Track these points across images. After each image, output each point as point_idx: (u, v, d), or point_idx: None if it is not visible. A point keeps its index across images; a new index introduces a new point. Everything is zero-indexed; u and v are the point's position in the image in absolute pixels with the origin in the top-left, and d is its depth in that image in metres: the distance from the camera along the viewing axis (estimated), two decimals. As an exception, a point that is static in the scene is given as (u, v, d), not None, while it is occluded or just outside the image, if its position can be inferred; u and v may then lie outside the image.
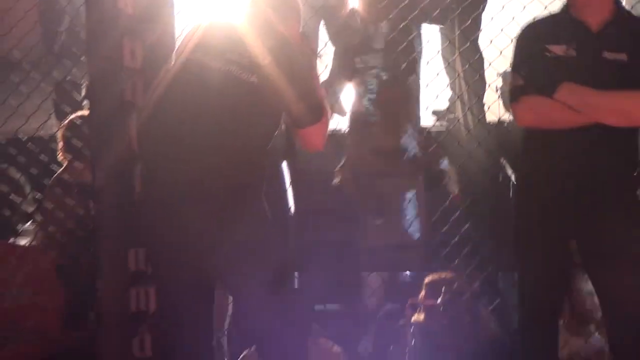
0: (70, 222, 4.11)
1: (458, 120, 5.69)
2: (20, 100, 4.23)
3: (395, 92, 5.08)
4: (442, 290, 3.95)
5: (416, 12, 5.00)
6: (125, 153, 3.16)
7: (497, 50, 4.36)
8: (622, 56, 3.16)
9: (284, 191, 4.95)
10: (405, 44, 5.07)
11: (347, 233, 5.24)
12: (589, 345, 3.96)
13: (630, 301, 3.17)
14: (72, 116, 4.30)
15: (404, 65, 5.05)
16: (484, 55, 5.19)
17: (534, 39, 3.25)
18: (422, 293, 4.03)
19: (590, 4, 3.20)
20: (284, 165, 5.03)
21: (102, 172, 3.24)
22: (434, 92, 5.25)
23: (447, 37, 5.62)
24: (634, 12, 4.09)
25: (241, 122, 2.95)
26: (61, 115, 4.94)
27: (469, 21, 5.04)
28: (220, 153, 2.92)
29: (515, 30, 3.42)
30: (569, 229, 3.25)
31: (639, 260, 3.17)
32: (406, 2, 4.93)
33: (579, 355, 3.93)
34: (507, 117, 5.18)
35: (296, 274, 4.79)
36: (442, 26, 5.55)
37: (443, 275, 4.07)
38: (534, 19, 3.35)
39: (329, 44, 5.56)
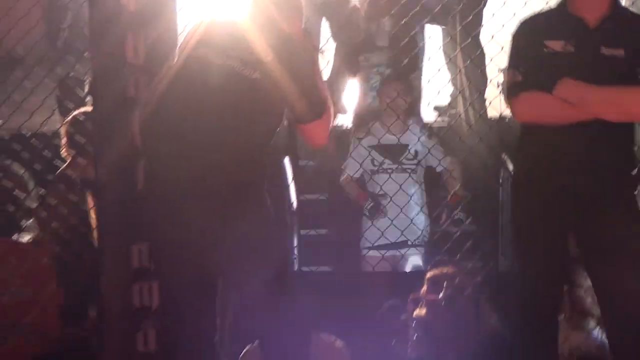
0: (73, 218, 4.12)
1: (460, 115, 5.71)
2: (24, 96, 4.23)
3: (398, 88, 5.09)
4: (444, 285, 3.95)
5: (417, 8, 5.01)
6: (128, 149, 3.15)
7: (499, 45, 4.36)
8: (620, 52, 3.16)
9: (286, 187, 4.96)
10: (407, 39, 5.08)
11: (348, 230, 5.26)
12: (589, 340, 3.95)
13: (630, 298, 3.16)
14: (76, 112, 4.30)
15: (405, 61, 5.06)
16: (486, 51, 5.20)
17: (531, 34, 3.24)
18: (424, 288, 4.03)
19: (587, 0, 3.21)
20: (286, 161, 5.05)
21: (105, 168, 3.24)
22: (436, 87, 5.26)
23: (448, 33, 5.63)
24: (634, 8, 4.10)
25: (243, 119, 2.96)
26: (64, 112, 4.95)
27: (471, 17, 5.05)
28: (223, 149, 2.93)
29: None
30: (569, 224, 3.26)
31: (638, 256, 3.18)
32: (407, -1, 4.96)
33: (579, 350, 3.93)
34: (508, 112, 5.18)
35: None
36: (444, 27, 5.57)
37: (445, 270, 4.06)
38: (531, 14, 3.35)
39: (331, 40, 5.58)
